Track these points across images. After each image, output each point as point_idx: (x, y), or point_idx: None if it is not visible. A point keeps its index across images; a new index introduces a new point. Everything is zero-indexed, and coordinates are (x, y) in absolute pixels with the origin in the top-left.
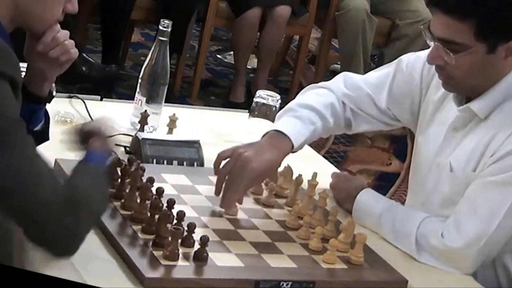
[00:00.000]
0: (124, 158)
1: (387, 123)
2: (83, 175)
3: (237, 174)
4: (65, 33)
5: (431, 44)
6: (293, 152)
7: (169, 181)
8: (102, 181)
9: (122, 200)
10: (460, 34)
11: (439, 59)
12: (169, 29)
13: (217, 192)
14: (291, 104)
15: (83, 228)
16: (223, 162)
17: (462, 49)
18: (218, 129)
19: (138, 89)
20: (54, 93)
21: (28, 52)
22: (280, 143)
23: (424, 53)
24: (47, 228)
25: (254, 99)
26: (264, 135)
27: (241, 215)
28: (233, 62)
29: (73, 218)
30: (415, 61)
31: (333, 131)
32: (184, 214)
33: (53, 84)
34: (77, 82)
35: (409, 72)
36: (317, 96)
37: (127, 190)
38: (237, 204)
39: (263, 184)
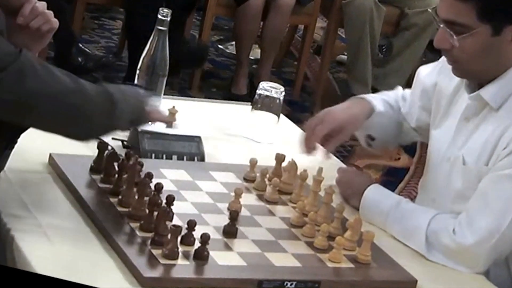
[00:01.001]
0: (122, 152)
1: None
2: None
3: (319, 120)
4: (43, 4)
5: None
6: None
7: (169, 176)
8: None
9: (120, 197)
10: (462, 15)
11: (445, 42)
12: (168, 18)
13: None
14: None
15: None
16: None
17: (466, 30)
18: (220, 122)
19: (136, 81)
20: None
21: (9, 30)
22: (361, 103)
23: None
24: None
25: (257, 91)
26: None
27: (243, 212)
28: (235, 53)
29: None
30: (430, 69)
31: (402, 131)
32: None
33: None
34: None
35: (423, 80)
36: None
37: (125, 186)
38: (240, 201)
39: (266, 180)
